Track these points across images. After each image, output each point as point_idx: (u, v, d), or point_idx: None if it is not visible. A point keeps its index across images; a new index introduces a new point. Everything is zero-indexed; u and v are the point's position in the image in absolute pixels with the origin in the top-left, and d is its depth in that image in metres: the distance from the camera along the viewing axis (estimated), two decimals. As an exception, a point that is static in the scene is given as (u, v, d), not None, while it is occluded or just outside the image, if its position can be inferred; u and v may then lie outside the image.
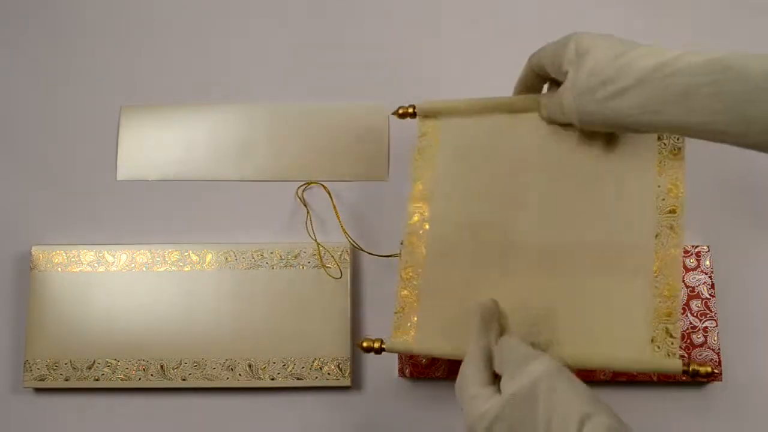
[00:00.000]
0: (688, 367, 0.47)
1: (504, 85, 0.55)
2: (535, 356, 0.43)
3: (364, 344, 0.52)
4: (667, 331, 0.48)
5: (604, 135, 0.52)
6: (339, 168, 0.69)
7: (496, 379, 0.45)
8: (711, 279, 0.63)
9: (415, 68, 0.70)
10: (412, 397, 0.64)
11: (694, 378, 0.47)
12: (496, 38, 0.71)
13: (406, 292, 0.53)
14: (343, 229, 0.65)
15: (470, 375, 0.45)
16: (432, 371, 0.62)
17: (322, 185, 0.68)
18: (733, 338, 0.63)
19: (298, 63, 0.71)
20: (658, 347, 0.48)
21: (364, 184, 0.68)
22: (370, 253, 0.65)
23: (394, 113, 0.57)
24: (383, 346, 0.52)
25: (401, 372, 0.63)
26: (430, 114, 0.56)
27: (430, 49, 0.71)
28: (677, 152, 0.51)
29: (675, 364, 0.47)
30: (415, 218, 0.54)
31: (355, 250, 0.66)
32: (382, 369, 0.64)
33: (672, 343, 0.48)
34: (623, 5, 0.71)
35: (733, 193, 0.67)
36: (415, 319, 0.53)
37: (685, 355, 0.61)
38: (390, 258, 0.64)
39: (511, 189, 0.53)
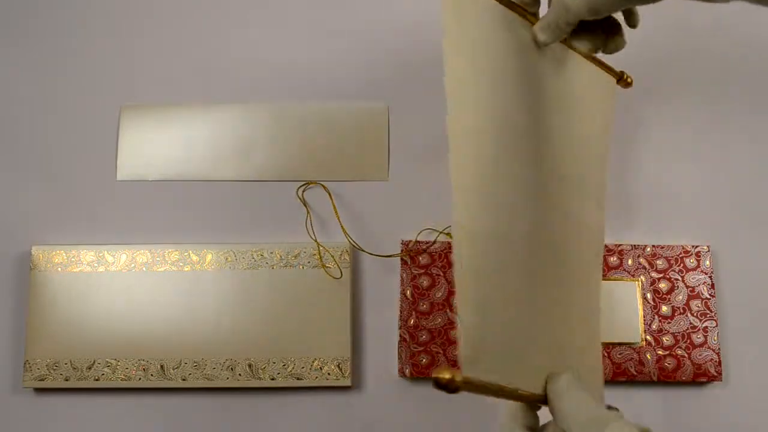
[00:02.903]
0: None
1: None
2: (609, 419, 0.38)
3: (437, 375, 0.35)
4: None
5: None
6: (339, 168, 0.69)
7: None
8: (711, 279, 0.63)
9: (417, 68, 0.70)
10: (412, 397, 0.64)
11: None
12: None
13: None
14: (343, 229, 0.65)
15: None
16: (432, 371, 0.62)
17: (322, 185, 0.68)
18: (733, 338, 0.63)
19: (298, 63, 0.71)
20: None
21: (364, 184, 0.68)
22: (370, 253, 0.65)
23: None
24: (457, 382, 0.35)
25: (401, 372, 0.63)
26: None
27: (431, 49, 0.71)
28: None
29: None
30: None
31: (355, 250, 0.66)
32: (382, 369, 0.64)
33: None
34: None
35: (733, 193, 0.67)
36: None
37: None
38: (390, 258, 0.64)
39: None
